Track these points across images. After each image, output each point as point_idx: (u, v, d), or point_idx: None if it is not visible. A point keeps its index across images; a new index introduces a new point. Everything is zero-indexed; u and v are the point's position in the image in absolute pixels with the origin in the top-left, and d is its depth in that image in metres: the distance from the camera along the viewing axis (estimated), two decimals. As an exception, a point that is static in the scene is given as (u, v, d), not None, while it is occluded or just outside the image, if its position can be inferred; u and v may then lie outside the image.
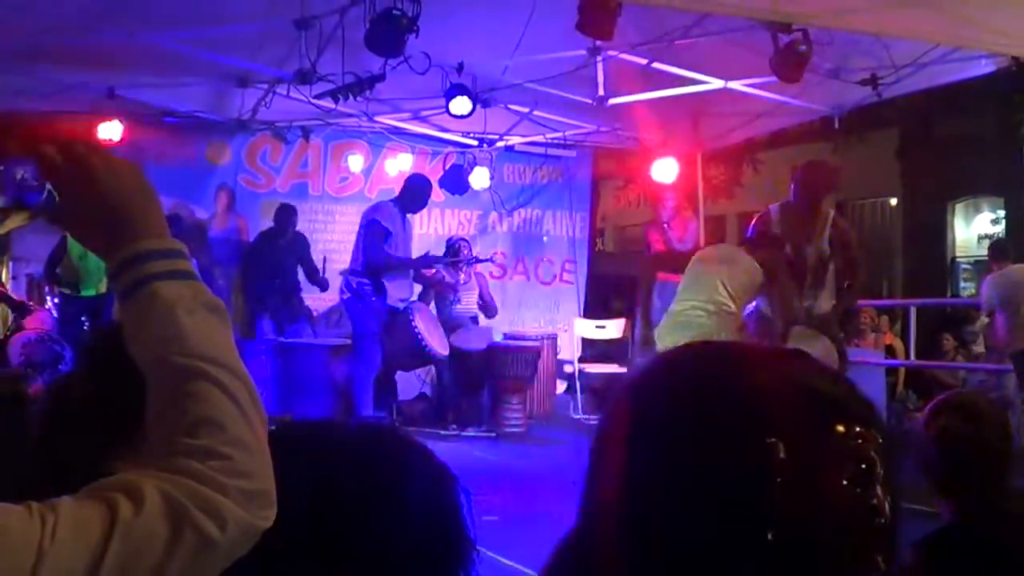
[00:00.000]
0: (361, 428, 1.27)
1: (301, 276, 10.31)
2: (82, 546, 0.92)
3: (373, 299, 8.82)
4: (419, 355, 9.06)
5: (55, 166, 1.13)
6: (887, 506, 0.88)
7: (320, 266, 10.27)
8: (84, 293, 9.94)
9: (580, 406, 10.53)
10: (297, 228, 10.33)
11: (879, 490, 0.88)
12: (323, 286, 10.22)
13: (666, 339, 6.40)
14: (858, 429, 0.89)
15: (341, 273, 9.45)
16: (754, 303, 7.38)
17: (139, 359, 1.10)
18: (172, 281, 1.11)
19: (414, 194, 9.30)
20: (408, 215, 9.30)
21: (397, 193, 9.47)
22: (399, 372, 9.79)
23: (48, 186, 1.13)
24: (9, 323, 8.78)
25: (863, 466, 0.88)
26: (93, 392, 2.09)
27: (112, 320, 2.99)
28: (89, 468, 2.02)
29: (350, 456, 1.19)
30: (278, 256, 10.07)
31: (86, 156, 1.14)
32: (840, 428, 0.89)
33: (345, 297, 9.12)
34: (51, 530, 0.91)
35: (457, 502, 1.22)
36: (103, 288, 9.98)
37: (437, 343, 8.97)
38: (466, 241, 10.45)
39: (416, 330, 8.75)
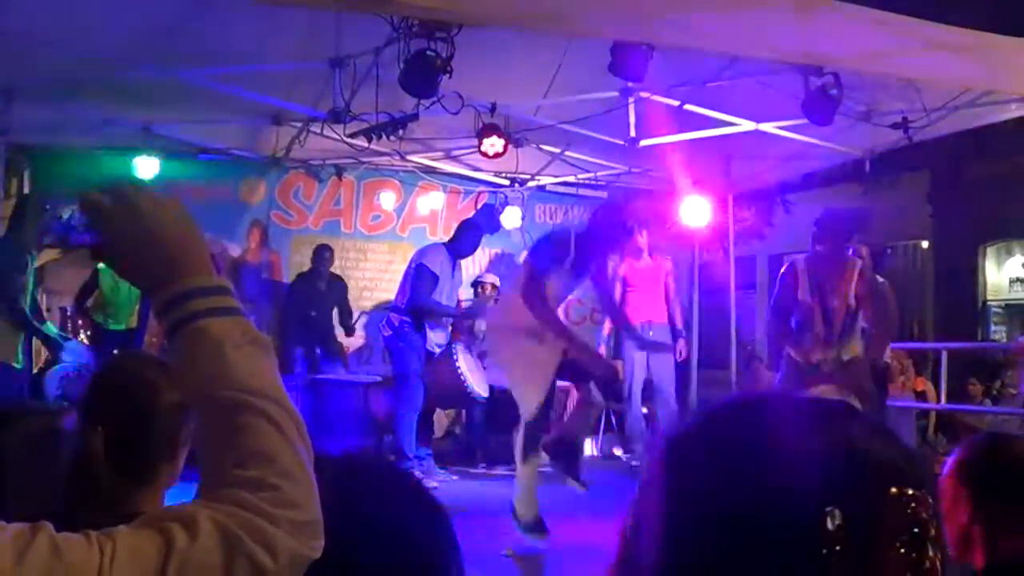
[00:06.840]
0: (345, 458, 1.27)
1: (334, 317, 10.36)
2: (139, 573, 0.94)
3: (414, 337, 8.81)
4: (460, 396, 9.07)
5: (102, 206, 1.15)
6: (938, 565, 0.87)
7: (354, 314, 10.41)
8: (113, 327, 9.99)
9: (610, 446, 10.48)
10: (332, 268, 10.36)
11: (930, 551, 0.86)
12: (350, 332, 10.36)
13: None
14: (911, 492, 0.87)
15: (382, 310, 9.40)
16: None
17: (187, 393, 1.13)
18: (218, 318, 1.13)
19: (467, 239, 9.26)
20: (459, 260, 9.29)
21: (451, 236, 9.45)
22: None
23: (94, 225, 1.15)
24: (45, 355, 8.82)
25: (916, 530, 0.86)
26: (104, 432, 2.11)
27: (115, 357, 3.05)
28: (110, 504, 2.05)
29: (334, 484, 1.18)
30: (316, 298, 10.11)
31: (133, 196, 1.16)
32: (894, 491, 0.87)
33: (387, 335, 9.08)
34: (109, 558, 0.93)
35: (445, 533, 1.21)
36: (133, 322, 10.03)
37: (478, 385, 8.95)
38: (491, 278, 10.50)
39: (459, 371, 8.77)
